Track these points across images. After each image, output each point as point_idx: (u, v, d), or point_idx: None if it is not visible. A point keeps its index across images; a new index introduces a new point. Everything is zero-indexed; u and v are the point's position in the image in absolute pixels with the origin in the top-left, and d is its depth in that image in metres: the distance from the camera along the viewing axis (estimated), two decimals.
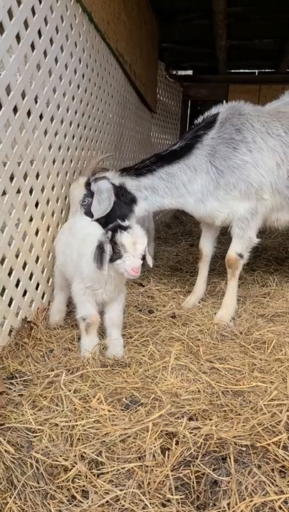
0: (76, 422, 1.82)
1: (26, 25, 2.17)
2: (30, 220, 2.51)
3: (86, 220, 2.66)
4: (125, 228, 2.16)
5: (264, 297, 3.34)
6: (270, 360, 2.37)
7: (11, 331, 2.37)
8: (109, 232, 2.17)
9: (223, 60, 6.71)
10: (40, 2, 2.30)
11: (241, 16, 5.33)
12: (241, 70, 7.61)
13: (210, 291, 3.40)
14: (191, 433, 1.75)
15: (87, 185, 2.82)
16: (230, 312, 2.91)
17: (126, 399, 2.00)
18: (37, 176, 2.51)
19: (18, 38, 2.10)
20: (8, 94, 2.06)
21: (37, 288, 2.64)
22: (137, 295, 3.28)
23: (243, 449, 1.69)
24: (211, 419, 1.85)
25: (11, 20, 2.01)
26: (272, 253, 4.62)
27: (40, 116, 2.47)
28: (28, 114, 2.32)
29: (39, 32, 2.30)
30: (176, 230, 6.00)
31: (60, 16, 2.55)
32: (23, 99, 2.23)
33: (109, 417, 1.86)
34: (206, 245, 3.20)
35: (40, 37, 2.32)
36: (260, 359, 2.39)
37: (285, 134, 2.85)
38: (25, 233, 2.45)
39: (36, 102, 2.40)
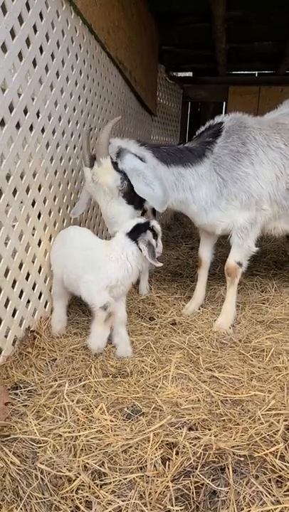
0: (79, 432, 1.87)
1: (28, 43, 2.21)
2: (33, 230, 2.55)
3: (77, 229, 2.73)
4: (148, 222, 2.49)
5: (263, 303, 3.39)
6: (269, 368, 2.42)
7: (14, 340, 2.42)
8: (148, 231, 2.44)
9: (223, 62, 6.73)
10: (42, 19, 2.34)
11: (241, 19, 5.35)
12: (241, 72, 7.63)
13: (210, 297, 3.45)
14: (190, 443, 1.81)
15: (116, 165, 2.59)
16: (230, 319, 2.96)
17: (127, 409, 2.06)
18: (39, 188, 2.56)
19: (20, 56, 2.14)
20: (11, 112, 2.10)
21: (40, 297, 2.69)
22: (138, 302, 3.33)
23: (241, 459, 1.75)
24: (210, 429, 1.91)
25: (13, 39, 2.05)
26: (272, 256, 4.68)
27: (42, 130, 2.51)
28: (31, 128, 2.37)
29: (40, 48, 2.35)
30: (176, 233, 6.05)
31: (61, 30, 2.59)
32: (25, 114, 2.28)
33: (112, 427, 1.92)
34: (205, 252, 3.25)
35: (41, 53, 2.37)
36: (259, 367, 2.44)
37: (284, 147, 2.90)
38: (28, 244, 2.50)
39: (38, 116, 2.45)
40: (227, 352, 2.63)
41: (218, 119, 3.03)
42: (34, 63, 2.30)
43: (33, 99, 2.34)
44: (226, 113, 7.77)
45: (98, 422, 1.94)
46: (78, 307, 3.07)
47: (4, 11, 1.97)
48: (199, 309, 3.24)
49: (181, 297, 3.49)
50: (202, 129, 3.06)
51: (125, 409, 2.05)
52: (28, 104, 2.29)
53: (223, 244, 4.00)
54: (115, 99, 3.92)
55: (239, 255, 2.94)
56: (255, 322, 3.07)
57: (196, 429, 1.92)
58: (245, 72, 7.63)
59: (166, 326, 2.98)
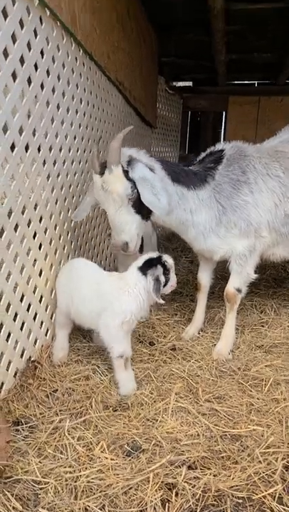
0: (80, 472, 1.90)
1: (29, 82, 2.24)
2: (34, 261, 2.58)
3: (82, 262, 2.76)
4: (160, 256, 2.56)
5: (262, 326, 3.42)
6: (267, 399, 2.45)
7: (16, 372, 2.44)
8: (159, 266, 2.50)
9: (222, 73, 6.76)
10: (43, 56, 2.37)
11: (240, 33, 5.37)
12: (241, 82, 7.65)
13: (209, 320, 3.48)
14: (190, 484, 1.84)
15: (126, 173, 2.57)
16: (229, 344, 2.99)
17: (128, 445, 2.08)
18: (40, 219, 2.58)
19: (21, 95, 2.16)
20: (12, 151, 2.13)
21: (41, 326, 2.72)
22: (138, 325, 3.34)
23: (240, 501, 1.78)
24: (209, 469, 1.93)
25: (14, 81, 2.08)
26: (271, 272, 4.69)
27: (44, 162, 2.54)
28: (32, 162, 2.39)
29: (41, 85, 2.38)
30: (176, 245, 6.06)
31: (62, 63, 2.62)
32: (27, 151, 2.30)
33: (112, 466, 1.94)
34: (204, 277, 3.27)
35: (42, 90, 2.40)
36: (258, 398, 2.47)
37: (283, 175, 2.93)
38: (30, 276, 2.52)
39: (39, 151, 2.47)
40: (226, 381, 2.65)
41: (219, 146, 3.05)
42: (35, 102, 2.32)
43: (34, 134, 2.37)
44: (226, 123, 7.83)
45: (99, 461, 1.97)
46: (79, 332, 3.09)
47: (6, 56, 1.99)
48: (199, 333, 3.27)
49: (181, 319, 3.52)
50: (203, 155, 3.09)
51: (125, 446, 2.07)
52: (29, 140, 2.32)
53: (221, 262, 4.02)
54: (115, 119, 3.94)
55: (238, 282, 2.97)
56: (255, 347, 3.09)
57: (196, 468, 1.95)
58: (245, 81, 7.65)
59: (166, 351, 3.01)
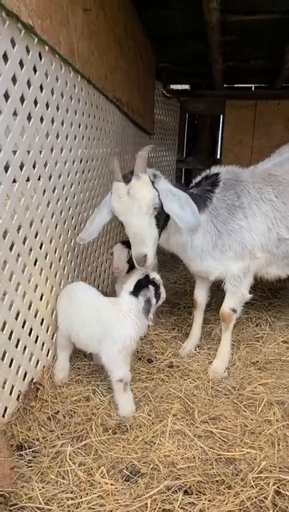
0: (81, 498, 2.00)
1: (29, 118, 2.30)
2: (35, 287, 2.66)
3: (85, 287, 2.84)
4: (147, 275, 2.61)
5: (257, 341, 3.51)
6: (261, 420, 2.55)
7: (18, 395, 2.53)
8: (150, 286, 2.57)
9: (219, 79, 6.79)
10: (42, 90, 2.42)
11: (236, 44, 5.41)
12: (238, 85, 7.68)
13: (206, 336, 3.57)
14: (186, 510, 1.94)
15: (152, 184, 2.58)
16: (225, 363, 3.09)
17: (126, 469, 2.18)
18: (40, 246, 2.66)
19: (22, 132, 2.23)
20: (6, 172, 2.18)
21: (42, 348, 2.80)
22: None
23: None
24: (204, 494, 2.03)
25: (15, 120, 2.14)
26: (267, 282, 4.77)
27: (44, 192, 2.61)
28: (34, 190, 2.46)
29: (41, 119, 2.44)
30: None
31: (60, 93, 2.68)
32: (28, 184, 2.37)
33: (112, 491, 2.04)
34: (200, 295, 3.36)
35: (41, 123, 2.46)
36: (251, 419, 2.57)
37: (276, 199, 3.01)
38: (31, 302, 2.60)
39: (39, 179, 2.54)
40: (222, 401, 2.75)
41: (214, 170, 3.13)
42: (34, 136, 2.39)
43: (34, 167, 2.43)
44: (223, 126, 7.86)
45: (99, 486, 2.07)
46: (79, 351, 3.17)
47: (7, 97, 2.05)
48: (196, 349, 3.36)
49: (178, 335, 3.61)
50: (199, 178, 3.16)
51: (124, 471, 2.17)
52: (30, 174, 2.39)
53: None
54: (113, 134, 4.00)
55: (233, 302, 3.06)
56: (249, 363, 3.19)
57: (191, 493, 2.05)
58: (242, 85, 7.68)
59: (163, 369, 3.10)
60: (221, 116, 7.79)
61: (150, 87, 5.72)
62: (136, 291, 2.58)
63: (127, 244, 3.12)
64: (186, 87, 7.87)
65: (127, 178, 2.54)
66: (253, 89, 7.67)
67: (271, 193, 3.02)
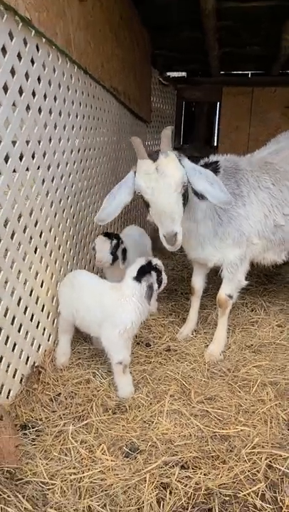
0: (83, 473, 2.11)
1: (28, 108, 2.36)
2: (36, 275, 2.74)
3: (86, 274, 2.92)
4: (150, 261, 2.67)
5: (252, 325, 3.61)
6: (255, 400, 2.66)
7: (21, 378, 2.63)
8: (152, 272, 2.63)
9: (215, 65, 6.80)
10: (40, 82, 2.48)
11: (232, 30, 5.42)
12: (235, 72, 7.68)
13: (202, 321, 3.66)
14: (182, 483, 2.05)
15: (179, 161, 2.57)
16: (221, 346, 3.19)
17: (126, 446, 2.29)
18: (40, 234, 2.73)
19: (22, 122, 2.29)
20: (6, 162, 2.26)
21: (43, 333, 2.90)
22: None
23: (227, 498, 1.99)
24: (200, 468, 2.14)
25: (14, 112, 2.20)
26: (263, 268, 4.86)
27: (43, 182, 2.68)
28: (33, 179, 2.53)
29: (39, 110, 2.50)
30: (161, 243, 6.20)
31: (58, 83, 2.73)
32: (27, 175, 2.44)
33: (112, 467, 2.15)
34: (198, 282, 3.45)
35: (40, 113, 2.52)
36: (246, 399, 2.67)
37: (272, 186, 3.08)
38: (32, 288, 2.69)
39: (38, 169, 2.61)
40: (217, 382, 2.85)
41: (213, 158, 3.17)
42: (33, 127, 2.44)
43: (33, 157, 2.50)
44: (220, 113, 7.86)
45: (100, 462, 2.17)
46: (80, 335, 3.27)
47: (6, 90, 2.11)
48: (192, 334, 3.46)
49: (176, 319, 3.71)
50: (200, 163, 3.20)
51: (124, 448, 2.28)
52: (29, 164, 2.45)
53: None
54: (110, 123, 4.05)
55: (230, 288, 3.15)
56: (244, 347, 3.29)
57: (188, 468, 2.16)
58: (239, 72, 7.68)
59: (161, 352, 3.21)
60: (218, 103, 7.82)
61: (146, 75, 5.74)
62: (139, 277, 2.65)
63: (109, 235, 3.17)
64: (183, 74, 7.87)
65: (152, 156, 2.53)
66: (249, 76, 7.67)
67: (268, 180, 3.09)
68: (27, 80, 2.34)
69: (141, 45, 5.08)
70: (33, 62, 2.39)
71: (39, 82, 2.47)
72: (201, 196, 2.67)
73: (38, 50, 2.44)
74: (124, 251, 3.19)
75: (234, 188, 3.01)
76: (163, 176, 2.49)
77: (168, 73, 7.43)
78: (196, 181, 2.60)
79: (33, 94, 2.40)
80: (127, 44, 4.34)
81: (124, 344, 2.68)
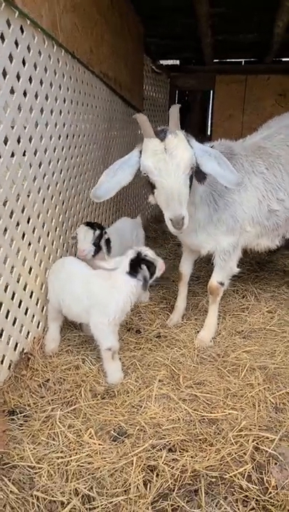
0: (71, 457, 2.11)
1: (12, 91, 2.32)
2: (24, 260, 2.72)
3: (75, 261, 2.91)
4: (139, 253, 2.64)
5: (242, 311, 3.61)
6: (243, 384, 2.66)
7: (10, 364, 2.62)
8: (144, 266, 2.61)
9: (209, 53, 6.74)
10: (25, 65, 2.44)
11: (225, 16, 5.36)
12: (228, 60, 7.62)
13: (193, 307, 3.66)
14: (169, 466, 2.05)
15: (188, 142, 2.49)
16: (211, 333, 3.19)
17: (114, 431, 2.29)
18: (28, 220, 2.71)
19: (6, 106, 2.26)
20: (5, 144, 2.25)
21: (32, 319, 2.88)
22: None
23: (213, 480, 2.00)
24: (187, 451, 2.15)
25: None
26: (254, 256, 4.86)
27: (30, 165, 2.65)
28: (24, 154, 2.51)
29: (24, 93, 2.46)
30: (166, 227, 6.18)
31: (44, 67, 2.69)
32: (12, 158, 2.41)
33: (100, 451, 2.15)
34: (186, 267, 3.44)
35: (25, 97, 2.48)
36: (234, 383, 2.68)
37: (266, 171, 3.05)
38: (20, 275, 2.67)
39: (25, 155, 2.58)
40: (206, 367, 2.86)
41: (206, 144, 3.08)
42: (19, 108, 2.42)
43: (19, 141, 2.47)
44: (213, 101, 7.81)
45: (88, 446, 2.17)
46: (69, 322, 3.26)
47: None
48: (183, 320, 3.46)
49: (167, 306, 3.70)
50: None
51: (112, 432, 2.28)
52: (15, 148, 2.42)
53: None
54: (100, 110, 4.01)
55: (221, 276, 3.13)
56: (234, 333, 3.29)
57: (175, 451, 2.16)
58: (232, 60, 7.62)
59: (151, 339, 3.20)
60: (211, 91, 7.77)
61: (139, 62, 5.68)
62: (132, 271, 2.61)
63: (91, 225, 3.08)
64: (176, 62, 7.81)
65: (160, 136, 2.44)
66: (243, 64, 7.62)
67: (262, 165, 3.05)
68: (11, 62, 2.30)
69: (133, 31, 5.02)
70: (17, 44, 2.35)
71: (24, 65, 2.44)
72: (199, 179, 2.65)
73: (22, 32, 2.40)
74: (108, 241, 3.11)
75: None
76: (172, 157, 2.40)
77: (161, 61, 7.37)
78: (204, 162, 2.54)
79: (18, 77, 2.37)
80: (118, 30, 4.28)
81: (112, 331, 2.67)
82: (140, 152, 2.53)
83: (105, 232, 3.13)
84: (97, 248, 3.05)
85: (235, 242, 3.05)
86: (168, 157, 2.40)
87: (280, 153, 3.17)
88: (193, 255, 3.39)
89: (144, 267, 2.60)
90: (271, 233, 3.22)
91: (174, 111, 2.46)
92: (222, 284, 3.14)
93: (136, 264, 2.61)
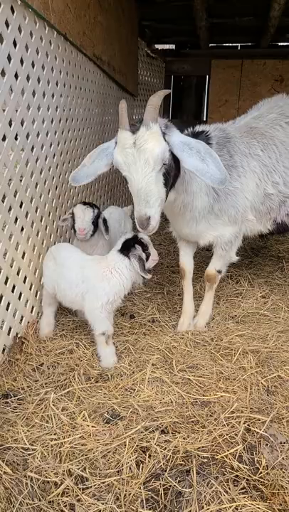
0: (64, 439, 2.13)
1: (3, 73, 2.29)
2: (17, 245, 2.72)
3: (66, 247, 2.92)
4: (136, 235, 2.67)
5: (236, 296, 3.63)
6: (236, 368, 2.68)
7: (4, 349, 2.63)
8: (137, 246, 2.64)
9: (204, 37, 6.67)
10: (16, 46, 2.41)
11: None
12: (224, 44, 7.54)
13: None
14: (161, 447, 2.08)
15: (164, 135, 2.29)
16: (206, 319, 3.19)
17: (107, 413, 2.31)
18: (20, 205, 2.70)
19: None
20: None
21: (26, 304, 2.89)
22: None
23: (205, 460, 2.02)
24: (179, 433, 2.17)
25: None
26: (249, 242, 4.87)
27: (22, 149, 2.63)
28: (16, 138, 2.49)
29: (16, 75, 2.43)
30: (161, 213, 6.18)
31: (36, 49, 2.65)
32: (4, 141, 2.39)
33: (93, 433, 2.17)
34: (187, 262, 3.21)
35: (16, 79, 2.45)
36: (227, 367, 2.70)
37: (262, 153, 2.93)
38: (13, 260, 2.67)
39: (16, 138, 2.55)
40: (200, 351, 2.87)
41: (198, 128, 2.93)
42: (10, 91, 2.39)
43: (10, 124, 2.45)
44: (208, 87, 7.74)
45: (81, 429, 2.19)
46: (64, 308, 3.26)
47: None
48: (177, 305, 3.46)
49: (161, 291, 3.71)
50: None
51: (105, 414, 2.30)
52: (6, 131, 2.40)
53: None
54: (94, 94, 3.97)
55: (220, 264, 3.07)
56: (228, 317, 3.31)
57: (168, 432, 2.18)
58: (228, 44, 7.54)
59: (145, 324, 3.22)
60: (207, 76, 7.70)
61: (133, 46, 5.62)
62: (124, 251, 2.66)
63: (89, 204, 3.04)
64: (172, 47, 7.72)
65: (134, 127, 2.25)
66: (239, 48, 7.54)
67: (257, 147, 2.93)
68: (1, 43, 2.27)
69: (127, 14, 4.95)
70: (7, 24, 2.32)
71: (15, 46, 2.40)
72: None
73: (12, 12, 2.36)
74: (105, 221, 3.12)
75: (227, 159, 2.79)
76: (140, 152, 2.21)
77: (156, 45, 7.28)
78: (185, 158, 2.31)
79: (9, 58, 2.34)
80: (111, 12, 4.22)
81: (106, 315, 2.68)
82: (116, 143, 2.37)
83: (101, 212, 3.12)
84: (95, 228, 3.03)
85: (237, 232, 2.95)
86: (136, 152, 2.22)
87: (274, 133, 3.03)
88: (191, 247, 3.21)
89: (137, 246, 2.63)
90: (264, 217, 3.08)
91: (153, 100, 2.25)
92: (220, 272, 3.09)
93: (129, 244, 2.63)
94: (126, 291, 2.75)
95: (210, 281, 3.11)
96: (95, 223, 3.02)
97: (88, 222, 2.98)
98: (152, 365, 2.69)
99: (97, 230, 3.07)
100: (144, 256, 2.66)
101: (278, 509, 1.79)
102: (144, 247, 2.69)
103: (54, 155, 3.13)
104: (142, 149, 2.21)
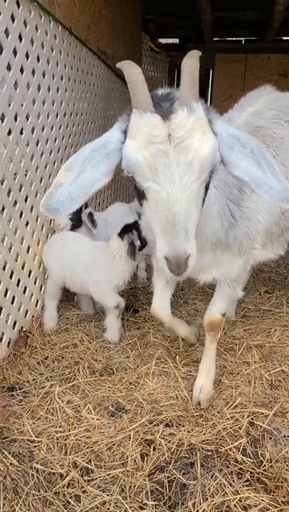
0: (69, 431, 2.15)
1: (9, 67, 2.29)
2: (22, 239, 2.73)
3: (71, 234, 3.02)
4: (136, 222, 2.81)
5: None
6: (239, 362, 2.70)
7: (9, 342, 2.65)
8: (134, 231, 2.79)
9: (208, 31, 6.63)
10: (21, 41, 2.41)
11: None
12: (228, 38, 7.49)
13: (190, 288, 3.68)
14: (166, 440, 2.10)
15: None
16: (212, 378, 2.45)
17: (112, 406, 2.33)
18: (26, 199, 2.71)
19: (2, 81, 2.24)
20: (2, 122, 2.24)
21: (30, 298, 2.90)
22: (123, 294, 3.53)
23: (209, 453, 2.04)
24: (184, 426, 2.19)
25: None
26: None
27: (27, 144, 2.63)
28: (16, 143, 2.49)
29: (21, 70, 2.43)
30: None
31: (41, 43, 2.65)
32: (9, 135, 2.40)
33: (98, 426, 2.19)
34: (165, 308, 2.42)
35: (22, 73, 2.45)
36: (231, 361, 2.71)
37: (274, 160, 1.84)
38: (18, 254, 2.68)
39: (22, 133, 2.56)
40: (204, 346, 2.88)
41: None
42: (15, 86, 2.39)
43: (16, 119, 2.45)
44: (212, 81, 7.70)
45: (86, 421, 2.21)
46: (68, 302, 3.29)
47: None
48: (180, 300, 3.48)
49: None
50: None
51: (110, 407, 2.32)
52: (12, 125, 2.40)
53: None
54: (98, 88, 3.97)
55: (225, 306, 2.37)
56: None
57: (172, 426, 2.20)
58: (232, 38, 7.50)
59: (149, 318, 3.22)
60: (211, 70, 7.66)
61: (137, 40, 5.60)
62: (122, 234, 2.79)
63: None
64: (176, 41, 7.68)
65: (163, 109, 1.40)
66: (243, 42, 7.50)
67: (269, 152, 1.98)
68: (7, 37, 2.27)
69: (131, 8, 4.93)
70: (13, 19, 2.31)
71: (20, 41, 2.40)
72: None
73: (18, 6, 2.36)
74: (91, 215, 3.13)
75: None
76: (180, 150, 1.38)
77: (160, 39, 7.25)
78: (235, 161, 1.52)
79: (14, 52, 2.34)
80: (116, 6, 4.21)
81: (114, 291, 2.85)
82: (125, 133, 1.48)
83: (86, 206, 3.14)
84: (77, 223, 3.09)
85: (246, 263, 2.25)
86: (173, 151, 1.38)
87: (282, 133, 2.35)
88: (171, 288, 2.43)
89: (134, 232, 2.76)
90: (276, 240, 2.36)
91: (192, 62, 1.45)
92: (224, 314, 2.39)
93: (128, 229, 2.77)
94: (131, 272, 2.91)
95: (214, 330, 2.38)
96: (78, 218, 3.06)
97: (64, 219, 2.99)
98: (157, 359, 2.70)
99: (82, 224, 3.11)
100: (138, 242, 2.79)
101: (282, 501, 1.81)
102: (140, 233, 2.81)
103: (59, 149, 3.13)
104: (183, 146, 1.38)
